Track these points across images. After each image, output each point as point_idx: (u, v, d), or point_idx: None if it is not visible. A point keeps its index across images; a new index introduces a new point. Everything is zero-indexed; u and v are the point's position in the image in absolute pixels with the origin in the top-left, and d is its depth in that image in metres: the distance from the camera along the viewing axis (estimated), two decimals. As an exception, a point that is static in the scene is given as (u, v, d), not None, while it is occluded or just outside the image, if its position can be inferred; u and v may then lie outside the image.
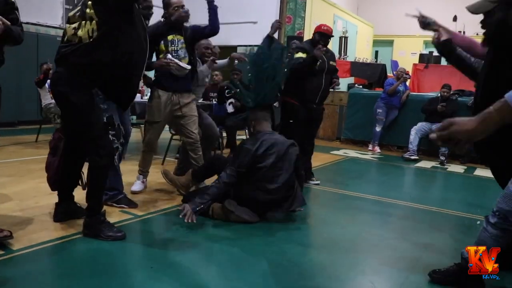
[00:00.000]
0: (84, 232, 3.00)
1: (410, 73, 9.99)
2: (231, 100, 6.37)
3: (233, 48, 11.77)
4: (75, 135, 3.03)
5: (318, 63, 4.61)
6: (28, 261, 2.58)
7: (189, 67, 3.99)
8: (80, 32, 2.79)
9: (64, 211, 3.24)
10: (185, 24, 4.06)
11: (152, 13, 4.01)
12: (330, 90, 4.82)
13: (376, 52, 14.76)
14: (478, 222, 3.91)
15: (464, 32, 14.14)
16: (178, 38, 3.99)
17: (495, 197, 2.39)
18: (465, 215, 4.17)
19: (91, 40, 2.78)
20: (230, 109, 6.37)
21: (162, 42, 3.94)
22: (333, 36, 4.84)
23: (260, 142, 3.46)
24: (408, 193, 4.97)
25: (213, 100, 6.66)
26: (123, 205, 3.60)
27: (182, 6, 3.94)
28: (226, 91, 6.29)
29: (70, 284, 2.32)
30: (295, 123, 4.78)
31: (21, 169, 4.79)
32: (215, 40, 5.18)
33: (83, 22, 2.80)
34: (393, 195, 4.77)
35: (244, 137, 6.38)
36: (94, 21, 2.78)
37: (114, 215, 3.42)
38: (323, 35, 4.69)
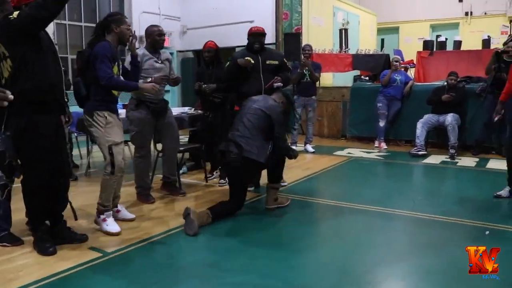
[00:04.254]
0: None
1: (415, 61, 9.57)
2: None
3: (232, 49, 11.48)
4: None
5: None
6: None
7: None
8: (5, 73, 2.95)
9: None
10: None
11: None
12: (276, 87, 4.49)
13: (382, 40, 14.29)
14: (487, 232, 3.55)
15: (471, 13, 13.65)
16: None
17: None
18: (473, 223, 3.80)
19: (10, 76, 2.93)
20: None
21: (116, 64, 3.66)
22: (264, 34, 4.68)
23: None
24: (413, 199, 4.59)
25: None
26: (5, 243, 3.28)
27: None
28: None
29: None
30: None
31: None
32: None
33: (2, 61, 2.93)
34: (397, 203, 4.42)
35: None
36: (8, 58, 2.90)
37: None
38: (254, 35, 4.62)
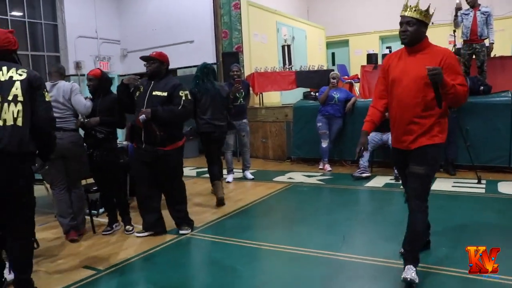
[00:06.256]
0: None
1: (359, 76, 9.22)
2: None
3: (173, 71, 10.94)
4: None
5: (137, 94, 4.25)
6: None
7: None
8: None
9: None
10: None
11: None
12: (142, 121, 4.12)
13: (333, 54, 14.03)
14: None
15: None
16: None
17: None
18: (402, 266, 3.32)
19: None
20: None
21: None
22: (152, 59, 4.22)
23: None
24: (344, 234, 4.07)
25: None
26: None
27: None
28: None
29: None
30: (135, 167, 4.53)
31: None
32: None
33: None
34: (324, 242, 3.94)
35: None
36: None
37: None
38: (143, 58, 4.28)
